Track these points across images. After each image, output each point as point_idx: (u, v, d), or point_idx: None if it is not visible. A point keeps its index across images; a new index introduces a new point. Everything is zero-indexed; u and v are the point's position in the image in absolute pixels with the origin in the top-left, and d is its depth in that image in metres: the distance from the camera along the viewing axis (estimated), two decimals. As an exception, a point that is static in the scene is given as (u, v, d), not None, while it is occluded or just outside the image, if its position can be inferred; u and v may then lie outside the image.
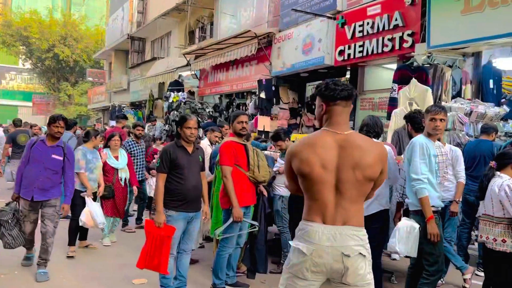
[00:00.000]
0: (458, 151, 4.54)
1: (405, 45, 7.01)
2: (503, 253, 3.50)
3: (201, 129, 8.55)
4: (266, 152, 5.61)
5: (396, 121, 6.02)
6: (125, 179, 6.24)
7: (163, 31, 18.34)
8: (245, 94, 11.97)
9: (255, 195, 4.51)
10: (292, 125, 10.13)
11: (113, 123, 15.31)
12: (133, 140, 7.19)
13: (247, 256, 4.91)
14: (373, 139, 3.82)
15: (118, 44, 22.72)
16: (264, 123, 9.82)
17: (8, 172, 9.54)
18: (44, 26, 30.71)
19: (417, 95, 5.98)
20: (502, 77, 7.00)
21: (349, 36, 8.10)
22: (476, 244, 5.51)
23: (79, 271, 4.95)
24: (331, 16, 8.54)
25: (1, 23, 31.26)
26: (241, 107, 11.63)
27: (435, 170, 3.53)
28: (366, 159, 2.14)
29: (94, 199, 5.59)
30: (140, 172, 7.13)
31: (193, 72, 13.89)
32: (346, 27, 8.18)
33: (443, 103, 5.81)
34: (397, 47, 7.16)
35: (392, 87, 6.73)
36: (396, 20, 7.17)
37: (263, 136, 8.70)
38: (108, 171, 6.07)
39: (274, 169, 5.08)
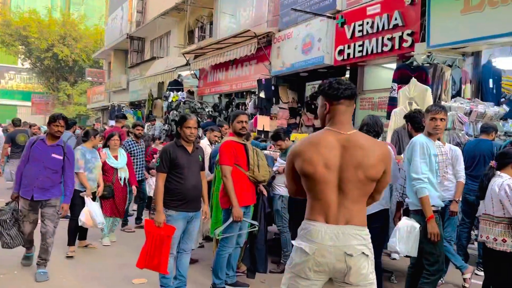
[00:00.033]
0: (458, 151, 4.55)
1: (405, 44, 7.01)
2: (503, 253, 3.52)
3: (200, 128, 8.54)
4: (265, 151, 5.61)
5: (396, 120, 6.02)
6: (125, 178, 6.24)
7: (163, 31, 18.32)
8: (244, 93, 11.96)
9: (255, 195, 4.50)
10: (292, 124, 10.13)
11: (112, 122, 15.30)
12: (132, 140, 7.19)
13: (247, 255, 4.90)
14: (373, 138, 3.82)
15: (118, 43, 22.70)
16: (264, 122, 9.81)
17: (7, 172, 9.53)
18: (43, 25, 30.70)
19: (416, 94, 5.98)
20: (501, 76, 6.99)
21: (348, 35, 8.10)
22: (475, 243, 5.51)
23: (79, 271, 4.94)
24: (330, 15, 8.53)
25: (0, 22, 31.20)
26: (240, 106, 11.62)
27: (435, 170, 3.53)
28: (368, 159, 2.12)
29: (94, 199, 5.59)
30: (140, 172, 7.13)
31: (192, 72, 13.88)
32: (345, 26, 8.18)
33: (442, 103, 5.81)
34: (396, 46, 7.16)
35: (391, 87, 6.73)
36: (395, 19, 7.17)
37: (262, 136, 8.70)
38: (108, 170, 6.06)
39: (274, 168, 5.08)
